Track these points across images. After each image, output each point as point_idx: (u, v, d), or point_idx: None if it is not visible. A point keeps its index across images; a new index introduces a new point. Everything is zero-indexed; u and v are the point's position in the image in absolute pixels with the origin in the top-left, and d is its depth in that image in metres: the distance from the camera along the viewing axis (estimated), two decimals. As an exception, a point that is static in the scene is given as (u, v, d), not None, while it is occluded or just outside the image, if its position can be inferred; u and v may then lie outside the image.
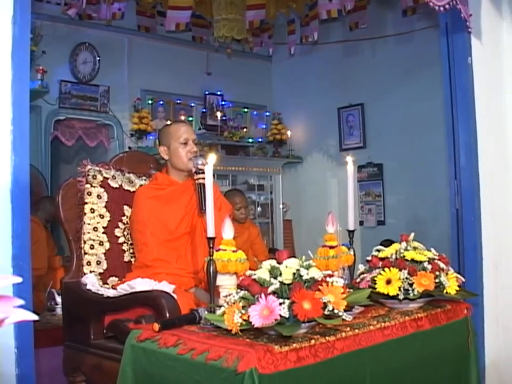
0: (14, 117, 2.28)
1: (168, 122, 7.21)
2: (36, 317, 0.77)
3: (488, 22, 3.77)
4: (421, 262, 2.63)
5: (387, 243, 2.97)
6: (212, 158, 2.48)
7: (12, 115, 2.28)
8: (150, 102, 7.89)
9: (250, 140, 8.69)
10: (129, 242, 3.39)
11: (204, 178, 3.10)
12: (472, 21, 3.51)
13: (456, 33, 3.72)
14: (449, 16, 3.72)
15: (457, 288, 2.64)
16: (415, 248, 2.73)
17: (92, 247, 3.24)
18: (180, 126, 3.46)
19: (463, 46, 3.70)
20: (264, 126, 9.03)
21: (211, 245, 2.39)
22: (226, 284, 2.41)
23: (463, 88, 3.70)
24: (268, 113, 9.09)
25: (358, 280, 2.79)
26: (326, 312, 2.04)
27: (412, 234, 2.80)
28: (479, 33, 3.72)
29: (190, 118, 8.17)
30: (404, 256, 2.66)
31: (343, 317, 2.07)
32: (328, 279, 2.14)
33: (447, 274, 2.67)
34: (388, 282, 2.58)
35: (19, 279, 0.75)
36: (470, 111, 3.67)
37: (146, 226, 3.23)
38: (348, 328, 2.22)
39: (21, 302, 0.73)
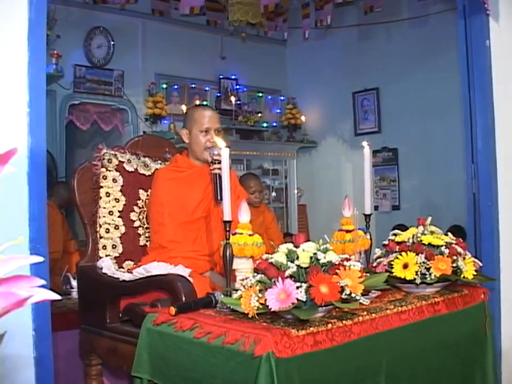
0: (30, 100, 2.29)
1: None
2: (58, 297, 0.77)
3: (506, 4, 3.72)
4: (438, 246, 2.61)
5: (401, 228, 2.95)
6: (225, 147, 2.49)
7: (29, 97, 2.28)
8: (164, 86, 7.89)
9: (264, 125, 8.66)
10: (145, 226, 3.39)
11: (219, 169, 3.09)
12: (490, 3, 3.47)
13: (474, 16, 3.68)
14: (467, -2, 3.69)
15: (474, 273, 2.63)
16: (432, 233, 2.71)
17: (107, 231, 3.24)
18: (205, 112, 3.39)
19: (480, 29, 3.66)
20: (278, 111, 9.02)
21: (227, 229, 2.38)
22: (243, 267, 2.41)
23: (481, 71, 3.66)
24: (282, 98, 9.07)
25: (374, 264, 2.78)
26: (343, 296, 2.03)
27: (429, 219, 2.78)
28: (497, 15, 3.66)
29: (205, 103, 8.12)
30: (421, 241, 2.64)
31: (360, 301, 2.06)
32: (345, 263, 2.13)
33: (464, 258, 2.65)
34: (405, 266, 2.57)
35: (40, 258, 0.74)
36: (488, 94, 3.63)
37: (164, 207, 3.24)
38: (365, 312, 2.22)
39: (43, 282, 0.73)
